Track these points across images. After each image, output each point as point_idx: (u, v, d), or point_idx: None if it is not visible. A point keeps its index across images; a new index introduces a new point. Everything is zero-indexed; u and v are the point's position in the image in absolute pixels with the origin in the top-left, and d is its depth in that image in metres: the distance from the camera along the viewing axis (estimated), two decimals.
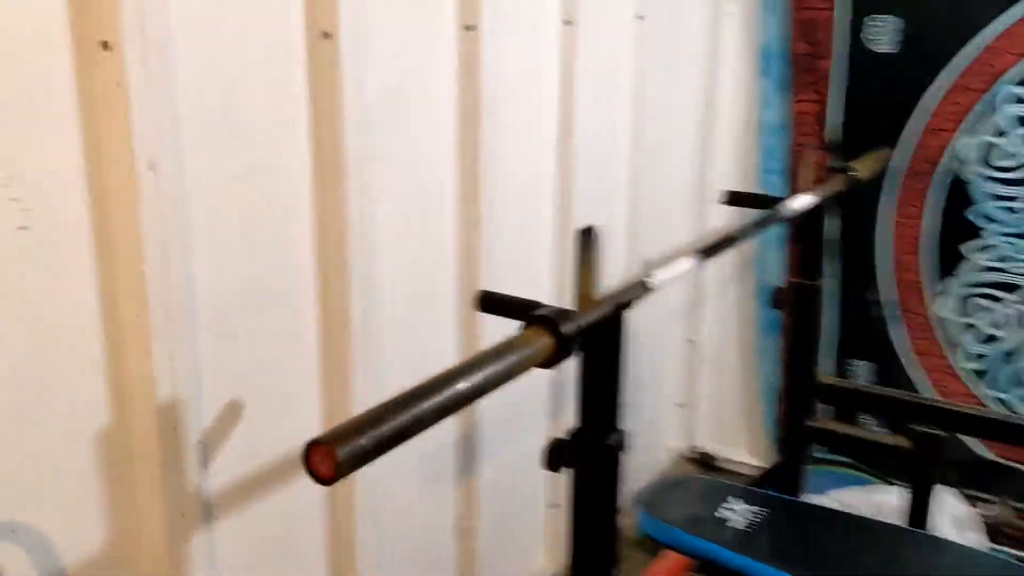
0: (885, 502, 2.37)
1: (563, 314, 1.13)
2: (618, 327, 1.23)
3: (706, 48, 2.64)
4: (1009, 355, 2.46)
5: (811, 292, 2.07)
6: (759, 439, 2.85)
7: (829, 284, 2.61)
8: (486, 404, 1.59)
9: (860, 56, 2.42)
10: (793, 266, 2.08)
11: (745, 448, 2.89)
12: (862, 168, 2.13)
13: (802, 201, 1.91)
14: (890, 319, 2.56)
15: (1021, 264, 2.40)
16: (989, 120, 2.34)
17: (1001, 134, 2.33)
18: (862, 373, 2.64)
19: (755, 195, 2.13)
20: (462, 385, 0.95)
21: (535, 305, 1.15)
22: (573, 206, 2.14)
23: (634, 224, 2.46)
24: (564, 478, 1.28)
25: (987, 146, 2.36)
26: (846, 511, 1.89)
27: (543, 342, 1.10)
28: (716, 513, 1.66)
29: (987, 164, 2.36)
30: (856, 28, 2.42)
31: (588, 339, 1.18)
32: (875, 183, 2.49)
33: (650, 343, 2.80)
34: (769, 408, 2.80)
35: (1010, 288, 2.43)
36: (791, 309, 2.11)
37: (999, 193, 2.36)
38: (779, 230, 2.66)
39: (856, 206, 2.53)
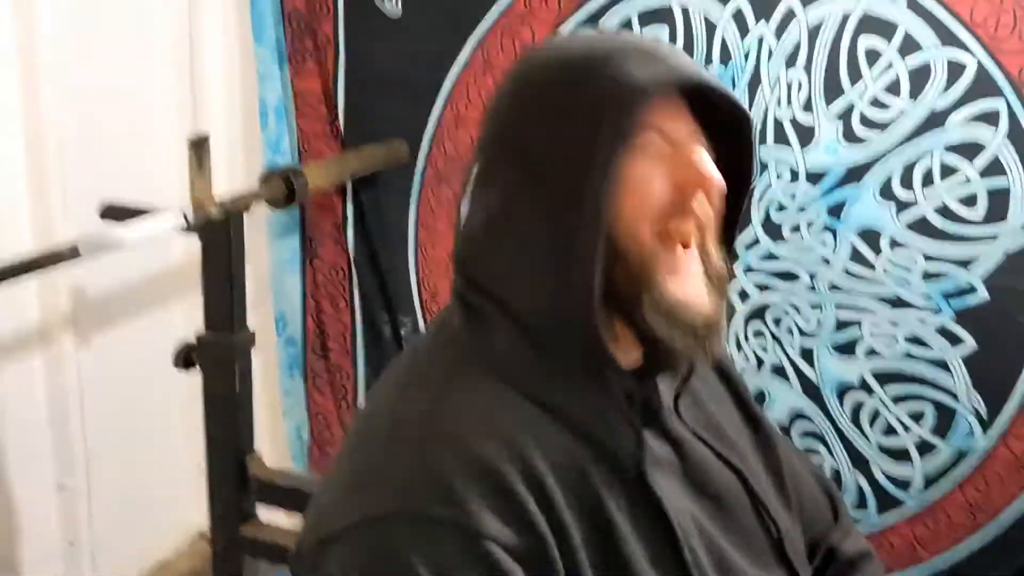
0: None
1: None
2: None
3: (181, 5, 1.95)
4: None
5: (228, 349, 1.43)
6: None
7: (349, 315, 2.02)
8: None
9: (361, 15, 1.80)
10: (207, 313, 1.44)
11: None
12: (314, 173, 1.51)
13: (166, 221, 1.27)
14: None
15: None
16: None
17: None
18: None
19: (136, 209, 1.46)
20: None
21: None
22: None
23: None
24: None
25: None
26: None
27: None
28: None
29: None
30: None
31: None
32: (401, 187, 1.91)
33: (151, 385, 2.10)
34: (302, 464, 2.19)
35: None
36: (208, 373, 1.47)
37: None
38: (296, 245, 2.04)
39: (377, 215, 1.94)
